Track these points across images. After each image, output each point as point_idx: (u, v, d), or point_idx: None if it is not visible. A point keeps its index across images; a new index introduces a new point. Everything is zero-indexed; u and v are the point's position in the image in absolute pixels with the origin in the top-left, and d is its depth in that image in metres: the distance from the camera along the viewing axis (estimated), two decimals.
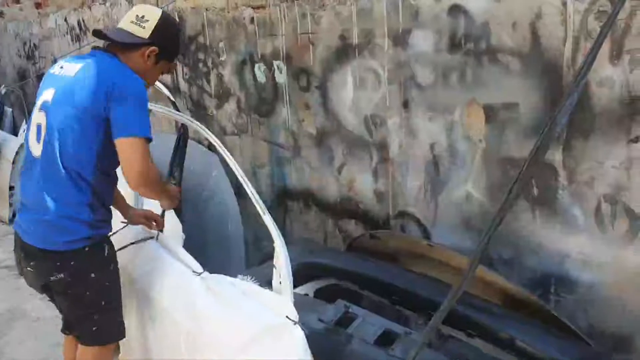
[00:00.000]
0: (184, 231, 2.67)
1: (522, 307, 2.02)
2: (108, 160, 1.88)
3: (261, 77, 3.32)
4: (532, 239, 2.12)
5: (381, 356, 1.74)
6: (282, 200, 3.41)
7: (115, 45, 1.93)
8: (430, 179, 2.49)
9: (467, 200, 2.36)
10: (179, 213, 2.87)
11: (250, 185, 1.89)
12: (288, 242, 2.83)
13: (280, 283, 1.81)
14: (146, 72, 1.95)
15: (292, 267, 2.54)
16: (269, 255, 1.94)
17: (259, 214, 1.86)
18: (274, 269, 1.84)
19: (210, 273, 2.08)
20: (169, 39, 2.00)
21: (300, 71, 3.04)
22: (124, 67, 1.88)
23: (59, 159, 1.85)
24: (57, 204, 1.86)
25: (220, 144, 2.02)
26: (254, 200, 1.87)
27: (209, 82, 3.78)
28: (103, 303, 1.98)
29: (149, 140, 1.82)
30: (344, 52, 2.76)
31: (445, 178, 2.43)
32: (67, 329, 2.23)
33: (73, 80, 1.85)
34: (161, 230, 2.37)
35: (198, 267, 2.13)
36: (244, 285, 1.94)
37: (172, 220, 2.56)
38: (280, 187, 3.41)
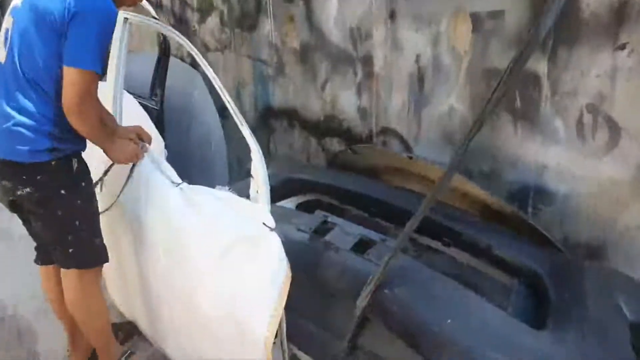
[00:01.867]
0: (166, 148, 2.64)
1: (500, 218, 2.04)
2: None
3: None
4: (512, 152, 2.11)
5: (357, 261, 1.77)
6: (265, 120, 3.36)
7: None
8: (414, 94, 2.44)
9: (450, 115, 2.33)
10: (161, 132, 2.83)
11: (227, 95, 1.84)
12: (271, 160, 2.82)
13: (257, 192, 1.80)
14: None
15: (273, 183, 2.55)
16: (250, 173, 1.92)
17: (242, 135, 1.82)
18: (251, 179, 1.82)
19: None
20: None
21: None
22: None
23: (18, 67, 1.77)
24: (19, 113, 1.79)
25: (203, 60, 1.95)
26: (231, 111, 1.82)
27: None
28: (77, 223, 1.92)
29: (98, 75, 1.72)
30: None
31: (429, 92, 2.39)
32: (40, 259, 2.17)
33: None
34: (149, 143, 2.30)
35: (177, 178, 2.11)
36: (221, 195, 1.93)
37: (154, 138, 2.51)
38: (263, 107, 3.35)
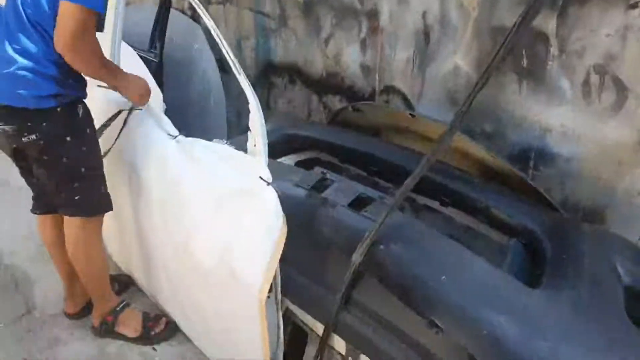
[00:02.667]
0: (164, 101, 2.59)
1: (499, 178, 2.02)
2: None
3: None
4: (516, 112, 2.08)
5: (353, 217, 1.75)
6: (266, 75, 3.31)
7: None
8: (419, 51, 2.39)
9: (454, 74, 2.28)
10: (160, 85, 2.78)
11: (227, 46, 1.79)
12: (270, 116, 2.78)
13: (255, 145, 1.77)
14: None
15: (272, 139, 2.52)
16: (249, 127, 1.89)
17: (242, 89, 1.78)
18: (248, 132, 1.79)
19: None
20: None
21: None
22: None
23: (21, 8, 1.72)
24: (21, 56, 1.75)
25: (204, 10, 1.89)
26: (230, 62, 1.78)
27: None
28: (83, 170, 1.91)
29: (97, 14, 1.65)
30: None
31: (434, 50, 2.33)
32: (37, 208, 2.17)
33: None
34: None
35: (174, 131, 2.09)
36: (218, 148, 1.90)
37: (153, 90, 2.47)
38: (264, 61, 3.29)
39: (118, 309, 2.29)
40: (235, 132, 3.39)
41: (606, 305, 1.44)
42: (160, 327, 2.32)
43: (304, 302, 1.86)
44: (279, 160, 2.48)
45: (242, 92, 1.77)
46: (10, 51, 1.76)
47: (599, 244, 1.66)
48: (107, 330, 2.28)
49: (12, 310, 2.43)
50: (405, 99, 2.51)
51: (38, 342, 2.28)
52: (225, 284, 1.79)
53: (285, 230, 1.64)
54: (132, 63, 2.46)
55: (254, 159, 1.75)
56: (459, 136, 1.98)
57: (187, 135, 2.11)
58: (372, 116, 2.44)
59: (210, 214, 1.85)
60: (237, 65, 1.77)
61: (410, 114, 2.10)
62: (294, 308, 1.90)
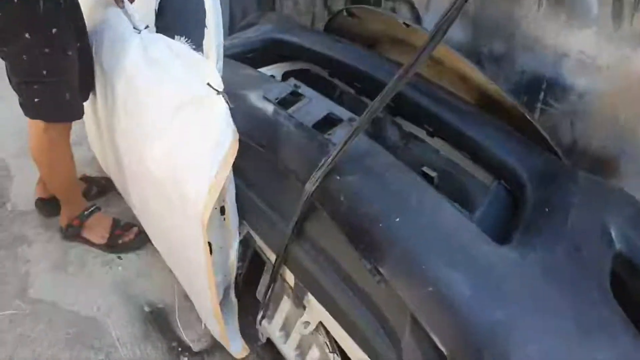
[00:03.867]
0: None
1: (498, 110, 1.73)
2: None
3: None
4: (530, 32, 1.74)
5: (315, 140, 1.53)
6: None
7: None
8: None
9: None
10: None
11: None
12: (263, 17, 2.50)
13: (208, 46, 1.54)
14: None
15: (257, 42, 2.27)
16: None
17: None
18: (205, 30, 1.55)
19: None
20: None
21: None
22: None
23: None
24: None
25: None
26: None
27: None
28: (44, 72, 1.74)
29: None
30: None
31: None
32: None
33: None
34: None
35: (140, 24, 1.86)
36: (178, 47, 1.68)
37: None
38: None
39: (86, 213, 2.20)
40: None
41: (586, 273, 1.21)
42: (129, 237, 2.24)
43: (260, 229, 1.70)
44: (265, 68, 2.24)
45: None
46: None
47: (594, 199, 1.39)
48: (72, 233, 2.20)
49: None
50: (412, 7, 2.17)
51: (2, 237, 2.23)
52: (174, 199, 1.64)
53: (236, 146, 1.45)
54: None
55: (207, 62, 1.53)
56: (458, 57, 1.69)
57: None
58: (369, 23, 2.13)
59: (163, 121, 1.67)
60: None
61: (405, 24, 1.78)
62: (253, 234, 1.75)
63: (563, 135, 1.74)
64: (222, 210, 1.63)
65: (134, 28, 1.86)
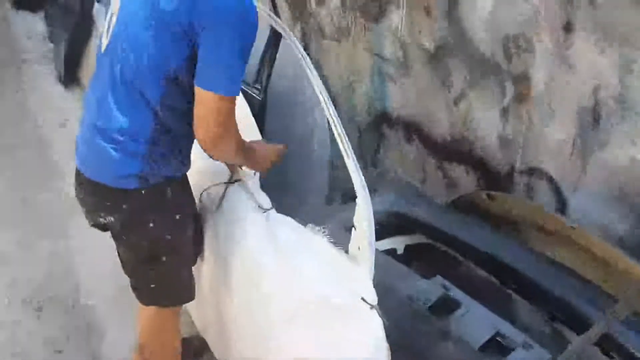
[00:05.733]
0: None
1: None
2: (181, 92, 1.43)
3: None
4: None
5: None
6: (378, 125, 2.87)
7: None
8: (582, 131, 1.86)
9: (632, 169, 1.74)
10: (261, 126, 2.44)
11: (334, 112, 1.44)
12: (379, 178, 2.37)
13: (359, 249, 1.37)
14: None
15: (379, 217, 2.11)
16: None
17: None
18: (353, 230, 1.38)
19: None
20: None
21: None
22: None
23: (118, 66, 1.44)
24: (110, 123, 1.46)
25: (304, 54, 1.54)
26: (336, 134, 1.42)
27: None
28: (163, 258, 1.63)
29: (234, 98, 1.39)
30: None
31: (605, 133, 1.80)
32: None
33: None
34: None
35: (267, 202, 1.73)
36: (313, 238, 1.49)
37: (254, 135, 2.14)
38: (378, 109, 2.86)
39: None
40: (338, 181, 2.97)
41: None
42: None
43: None
44: (384, 241, 2.06)
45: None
46: (101, 112, 1.49)
47: None
48: None
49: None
50: (555, 186, 1.98)
51: None
52: None
53: None
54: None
55: (357, 268, 1.36)
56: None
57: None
58: (507, 205, 1.94)
59: (294, 320, 1.51)
60: (347, 143, 1.42)
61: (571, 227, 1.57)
62: None
63: None
64: None
65: (259, 207, 1.73)
